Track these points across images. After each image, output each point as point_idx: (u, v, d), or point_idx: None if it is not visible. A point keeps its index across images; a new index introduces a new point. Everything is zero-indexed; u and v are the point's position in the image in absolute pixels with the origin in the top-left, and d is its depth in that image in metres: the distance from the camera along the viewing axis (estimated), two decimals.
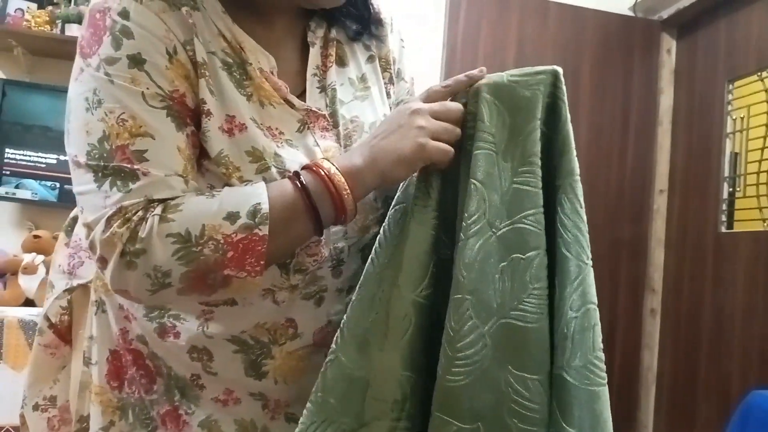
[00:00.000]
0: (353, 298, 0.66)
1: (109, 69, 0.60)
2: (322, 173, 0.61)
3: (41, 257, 2.22)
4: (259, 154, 0.65)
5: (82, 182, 0.61)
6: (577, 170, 0.65)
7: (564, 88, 0.67)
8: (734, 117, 2.42)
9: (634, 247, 2.68)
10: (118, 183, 0.59)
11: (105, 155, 0.59)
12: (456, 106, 0.65)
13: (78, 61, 0.63)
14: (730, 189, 2.43)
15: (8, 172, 2.24)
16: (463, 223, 0.63)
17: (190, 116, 0.64)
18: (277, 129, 0.68)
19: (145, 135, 0.60)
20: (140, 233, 0.58)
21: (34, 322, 1.88)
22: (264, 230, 0.59)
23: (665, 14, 2.71)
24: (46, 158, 2.26)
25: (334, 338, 0.65)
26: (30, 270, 2.18)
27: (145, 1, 0.62)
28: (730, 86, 2.42)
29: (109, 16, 0.61)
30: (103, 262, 0.60)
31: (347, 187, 0.61)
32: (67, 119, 0.63)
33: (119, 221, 0.58)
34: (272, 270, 0.66)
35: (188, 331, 0.68)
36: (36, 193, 2.25)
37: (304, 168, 0.63)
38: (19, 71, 2.32)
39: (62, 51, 2.29)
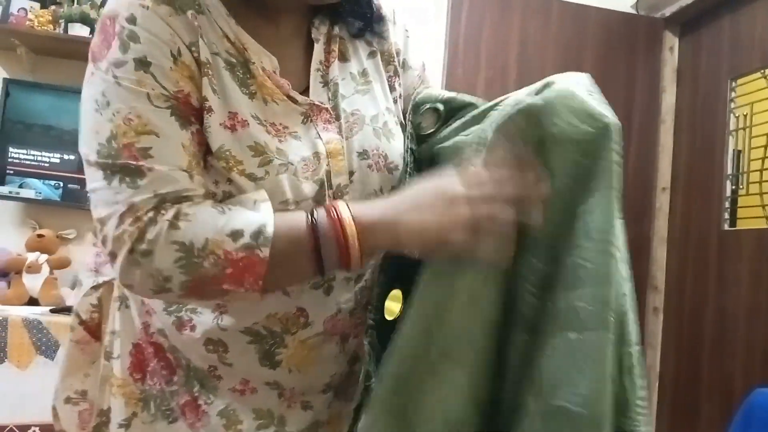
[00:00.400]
0: (392, 357, 0.61)
1: (117, 72, 0.63)
2: (335, 218, 0.61)
3: (45, 256, 2.23)
4: (261, 149, 0.67)
5: (93, 180, 0.64)
6: (607, 228, 0.59)
7: (617, 148, 0.59)
8: (737, 114, 2.41)
9: (636, 246, 2.68)
10: (127, 180, 0.61)
11: (113, 153, 0.62)
12: (506, 185, 0.60)
13: (89, 65, 0.66)
14: (733, 187, 2.43)
15: (12, 172, 2.24)
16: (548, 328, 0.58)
17: (194, 115, 0.66)
18: (281, 124, 0.70)
19: (150, 133, 0.62)
20: (148, 234, 0.60)
21: (38, 321, 1.89)
22: (265, 252, 0.60)
23: (668, 12, 2.70)
24: (49, 157, 2.27)
25: (371, 397, 0.62)
26: (34, 269, 2.19)
27: (152, 7, 0.64)
28: (733, 84, 2.42)
29: (117, 22, 0.64)
30: (113, 257, 0.62)
31: (358, 241, 0.61)
32: (80, 121, 0.66)
33: (131, 219, 0.60)
34: None
35: (203, 324, 0.71)
36: (40, 193, 2.26)
37: (322, 207, 0.64)
38: (22, 70, 2.32)
39: (65, 50, 2.30)
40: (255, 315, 0.70)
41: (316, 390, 0.76)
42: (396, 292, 0.76)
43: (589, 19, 2.70)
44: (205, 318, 0.71)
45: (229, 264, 0.60)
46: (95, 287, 0.82)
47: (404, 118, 0.82)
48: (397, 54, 0.84)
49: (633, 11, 2.79)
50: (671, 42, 2.75)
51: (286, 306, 0.71)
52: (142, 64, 0.63)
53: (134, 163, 0.61)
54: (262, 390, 0.74)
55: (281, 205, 0.66)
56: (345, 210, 0.62)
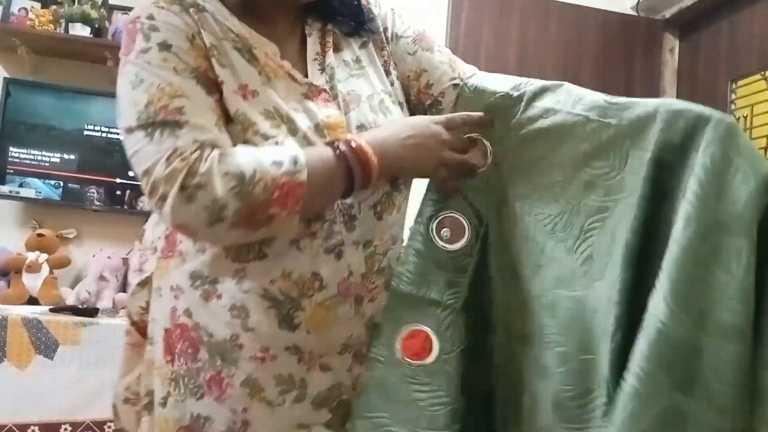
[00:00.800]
0: None
1: (144, 56, 0.73)
2: (358, 147, 0.74)
3: (45, 255, 2.23)
4: (272, 114, 0.76)
5: (134, 142, 0.71)
6: None
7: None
8: (737, 116, 2.42)
9: None
10: (167, 131, 0.70)
11: (151, 114, 0.71)
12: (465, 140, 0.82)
13: (120, 62, 0.76)
14: None
15: (12, 171, 2.24)
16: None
17: (215, 86, 0.76)
18: (284, 99, 0.79)
19: (182, 96, 0.72)
20: (200, 169, 0.68)
21: (38, 320, 1.88)
22: (303, 176, 0.70)
23: (668, 14, 2.71)
24: (50, 157, 2.27)
25: None
26: (34, 268, 2.19)
27: (165, 6, 0.76)
28: (733, 85, 2.42)
29: (138, 22, 0.75)
30: (162, 199, 0.68)
31: (378, 164, 0.74)
32: (117, 110, 0.74)
33: (177, 159, 0.68)
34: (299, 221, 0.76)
35: (228, 290, 0.78)
36: (40, 192, 2.26)
37: (340, 141, 0.75)
38: (23, 70, 2.33)
39: (66, 50, 2.31)
40: (272, 273, 0.77)
41: (334, 351, 0.81)
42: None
43: (588, 21, 2.71)
44: (227, 285, 0.78)
45: (276, 188, 0.69)
46: (141, 284, 0.89)
47: (400, 85, 0.91)
48: (385, 31, 0.92)
49: (633, 13, 2.79)
50: (671, 44, 2.76)
51: (300, 266, 0.77)
52: (164, 46, 0.73)
53: (172, 118, 0.70)
54: (281, 356, 0.79)
55: None
56: (363, 140, 0.75)
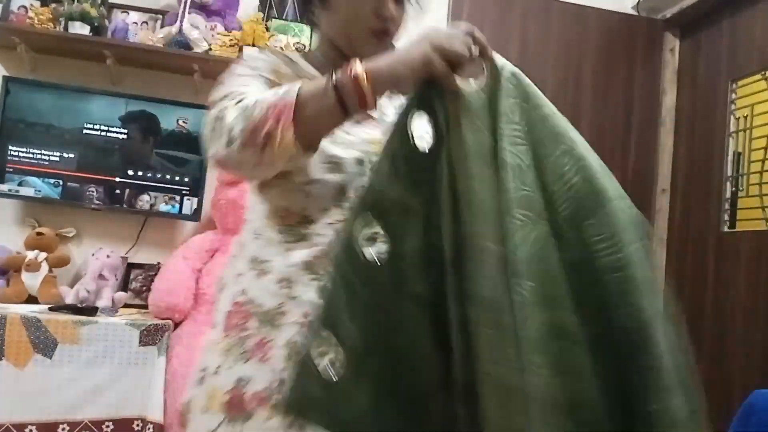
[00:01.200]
0: None
1: (236, 72, 0.97)
2: (350, 71, 0.83)
3: (44, 254, 2.23)
4: None
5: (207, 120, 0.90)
6: None
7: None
8: (737, 116, 2.42)
9: None
10: (226, 101, 0.89)
11: (223, 95, 0.90)
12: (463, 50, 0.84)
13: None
14: (733, 188, 2.43)
15: (11, 170, 2.24)
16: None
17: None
18: None
19: (248, 85, 0.92)
20: (222, 107, 0.87)
21: (37, 319, 1.88)
22: (293, 96, 0.83)
23: (668, 13, 2.71)
24: (49, 156, 2.27)
25: None
26: (33, 267, 2.19)
27: (262, 51, 1.03)
28: (734, 86, 2.42)
29: (242, 60, 1.00)
30: (206, 141, 0.88)
31: (369, 83, 0.82)
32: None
33: (218, 110, 0.88)
34: (333, 208, 0.93)
35: (276, 267, 0.94)
36: (39, 191, 2.26)
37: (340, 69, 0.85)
38: (22, 68, 2.32)
39: (65, 49, 2.30)
40: (312, 251, 0.92)
41: None
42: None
43: (589, 21, 2.71)
44: (276, 263, 0.94)
45: (270, 108, 0.83)
46: (220, 290, 1.03)
47: None
48: None
49: (634, 12, 2.79)
50: (672, 43, 2.75)
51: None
52: (251, 68, 0.97)
53: (233, 94, 0.89)
54: None
55: (331, 158, 0.93)
56: (358, 65, 0.84)
